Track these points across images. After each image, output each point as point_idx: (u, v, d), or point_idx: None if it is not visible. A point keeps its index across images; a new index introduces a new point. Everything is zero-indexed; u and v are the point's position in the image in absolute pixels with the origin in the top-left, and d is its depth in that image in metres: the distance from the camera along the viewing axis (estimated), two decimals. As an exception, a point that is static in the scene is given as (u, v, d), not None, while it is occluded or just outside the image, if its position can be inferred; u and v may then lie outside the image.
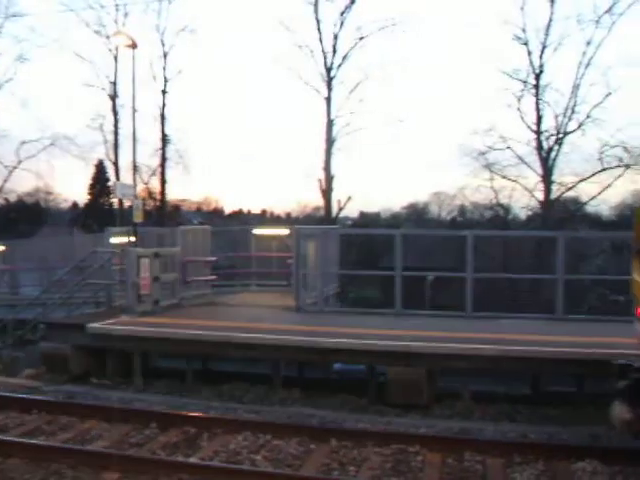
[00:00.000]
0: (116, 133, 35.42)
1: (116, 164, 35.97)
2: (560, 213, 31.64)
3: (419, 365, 10.26)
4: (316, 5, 31.80)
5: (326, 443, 8.25)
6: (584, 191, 30.95)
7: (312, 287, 14.57)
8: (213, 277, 16.61)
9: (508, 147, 31.01)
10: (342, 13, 31.93)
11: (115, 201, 36.57)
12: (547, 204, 30.53)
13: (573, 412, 9.94)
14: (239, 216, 55.57)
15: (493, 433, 8.90)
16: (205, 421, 8.99)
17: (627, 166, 29.87)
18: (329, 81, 32.17)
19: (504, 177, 31.41)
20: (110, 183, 45.07)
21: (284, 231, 17.54)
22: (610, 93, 29.34)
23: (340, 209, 32.80)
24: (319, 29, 31.97)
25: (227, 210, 59.06)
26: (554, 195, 30.73)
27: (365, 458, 7.85)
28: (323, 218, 32.25)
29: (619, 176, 30.08)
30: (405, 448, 8.10)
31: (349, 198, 32.52)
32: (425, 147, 56.93)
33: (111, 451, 7.83)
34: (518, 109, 30.90)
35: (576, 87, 30.02)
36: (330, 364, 13.52)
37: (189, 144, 34.30)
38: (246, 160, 68.61)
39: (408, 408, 10.01)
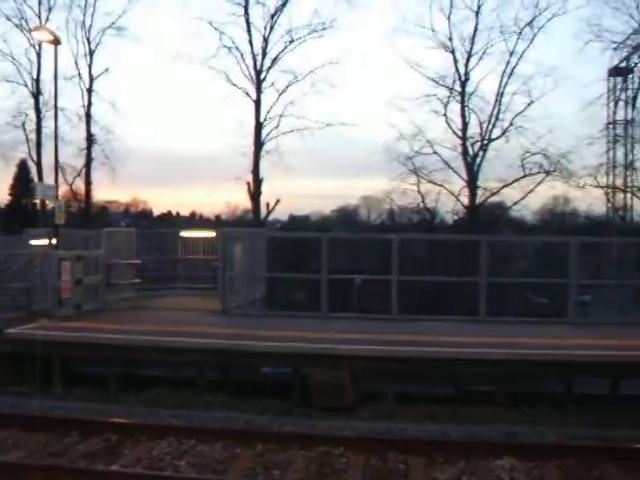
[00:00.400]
0: (39, 132, 34.26)
1: (39, 164, 34.79)
2: (485, 217, 32.48)
3: (344, 367, 10.35)
4: (246, 7, 31.70)
5: (251, 447, 8.22)
6: (508, 196, 31.91)
7: (239, 290, 14.50)
8: (138, 280, 16.33)
9: (435, 152, 31.63)
10: (272, 16, 31.93)
11: (38, 202, 35.35)
12: (472, 208, 31.28)
13: (493, 411, 10.21)
14: (168, 218, 54.78)
15: (416, 433, 9.06)
16: (127, 428, 8.81)
17: (547, 172, 30.99)
18: (259, 84, 32.09)
19: (430, 182, 32.02)
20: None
21: (211, 234, 17.41)
22: (532, 102, 30.38)
23: (269, 212, 32.78)
24: (249, 31, 31.88)
25: (156, 212, 58.15)
26: (479, 200, 31.56)
27: (290, 461, 7.86)
28: (252, 221, 32.10)
29: (540, 182, 31.19)
30: (329, 450, 8.14)
31: (278, 201, 32.53)
32: (355, 150, 57.38)
33: (28, 461, 7.60)
34: (445, 115, 31.60)
35: (500, 95, 30.99)
36: (257, 367, 13.46)
37: (117, 144, 33.32)
38: (176, 161, 67.58)
39: (333, 410, 10.08)
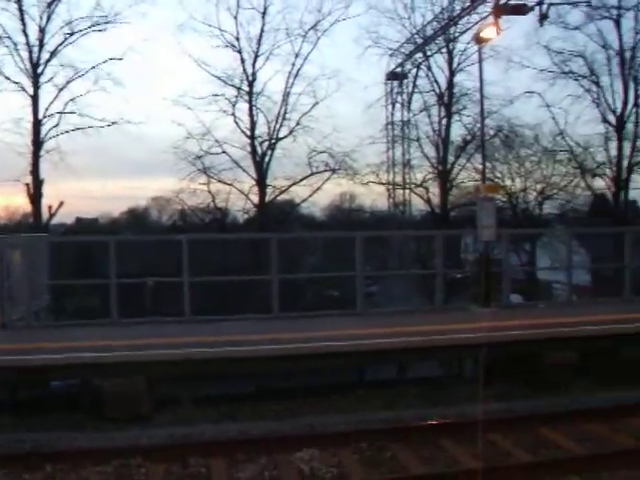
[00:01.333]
0: None
1: None
2: (275, 215, 33.14)
3: (137, 375, 9.92)
4: (20, -7, 29.28)
5: (40, 470, 7.61)
6: (297, 194, 32.75)
7: (19, 301, 13.40)
8: None
9: (224, 152, 31.61)
10: (49, 5, 29.82)
11: None
12: (262, 207, 31.74)
13: (291, 406, 10.40)
14: None
15: (216, 434, 8.97)
16: None
17: (333, 170, 32.24)
18: (36, 78, 29.91)
19: (220, 181, 31.96)
20: None
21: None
22: (317, 103, 31.44)
23: (51, 215, 30.69)
24: (23, 20, 29.51)
25: None
26: (269, 198, 32.06)
27: (84, 479, 7.42)
28: (33, 225, 29.92)
29: (327, 180, 32.43)
30: (127, 462, 7.80)
31: (61, 203, 30.50)
32: (144, 150, 55.85)
33: None
34: (233, 114, 31.67)
35: (286, 96, 31.62)
36: (45, 382, 12.54)
37: None
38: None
39: (128, 420, 9.66)
